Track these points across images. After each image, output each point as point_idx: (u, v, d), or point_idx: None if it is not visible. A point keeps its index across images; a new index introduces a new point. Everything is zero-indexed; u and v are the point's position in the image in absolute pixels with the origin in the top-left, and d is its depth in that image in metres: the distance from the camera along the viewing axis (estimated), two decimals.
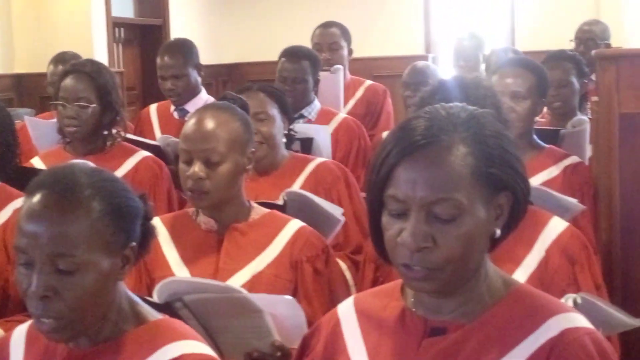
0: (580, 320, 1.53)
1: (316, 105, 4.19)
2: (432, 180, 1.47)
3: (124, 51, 7.88)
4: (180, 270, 2.38)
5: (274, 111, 3.09)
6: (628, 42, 6.78)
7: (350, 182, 3.24)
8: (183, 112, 4.30)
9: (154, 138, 4.18)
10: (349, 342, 1.63)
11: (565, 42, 5.60)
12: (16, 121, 3.04)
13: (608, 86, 3.08)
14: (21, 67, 6.87)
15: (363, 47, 8.10)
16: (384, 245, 1.54)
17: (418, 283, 1.51)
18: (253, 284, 2.34)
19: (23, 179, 1.98)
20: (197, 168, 2.35)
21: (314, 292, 2.40)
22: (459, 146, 1.49)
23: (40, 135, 3.82)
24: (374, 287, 2.25)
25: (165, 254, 2.41)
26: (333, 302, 2.34)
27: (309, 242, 2.43)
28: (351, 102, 4.89)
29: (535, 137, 3.31)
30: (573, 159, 3.29)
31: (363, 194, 3.02)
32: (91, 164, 1.87)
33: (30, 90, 6.68)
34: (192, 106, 4.12)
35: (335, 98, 4.57)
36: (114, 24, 7.48)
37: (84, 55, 4.67)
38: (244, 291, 2.04)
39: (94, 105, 3.26)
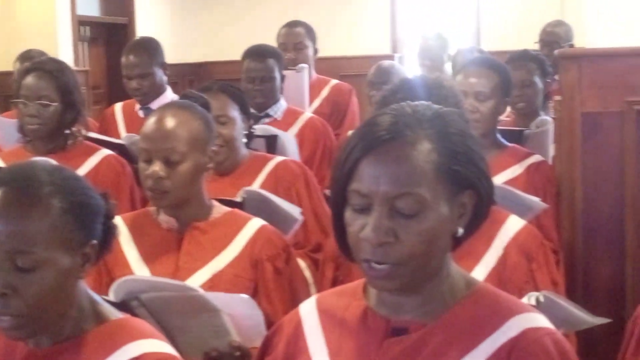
0: (541, 320, 1.54)
1: (282, 104, 4.19)
2: (395, 175, 1.47)
3: (90, 50, 7.84)
4: (140, 269, 2.37)
5: (235, 113, 3.09)
6: (592, 42, 6.83)
7: (310, 180, 3.25)
8: (148, 111, 4.26)
9: (118, 137, 4.15)
10: (310, 342, 1.63)
11: (530, 42, 5.64)
12: None
13: (570, 86, 3.11)
14: None
15: (329, 46, 8.11)
16: (347, 242, 1.53)
17: (380, 281, 1.51)
18: (213, 283, 2.33)
19: None
20: (156, 167, 2.33)
21: (274, 291, 2.39)
22: (424, 142, 1.49)
23: (5, 134, 3.78)
24: (334, 286, 2.26)
25: (125, 252, 2.40)
26: (294, 301, 2.34)
27: (269, 241, 2.42)
28: (317, 102, 4.89)
29: (498, 136, 3.33)
30: (536, 158, 3.31)
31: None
32: (53, 162, 1.85)
33: None
34: (157, 105, 4.06)
35: (300, 97, 4.56)
36: (79, 22, 7.43)
37: (49, 53, 4.63)
38: (201, 290, 2.04)
39: (55, 103, 3.23)
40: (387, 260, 1.48)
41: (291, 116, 4.15)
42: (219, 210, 2.47)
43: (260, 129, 3.52)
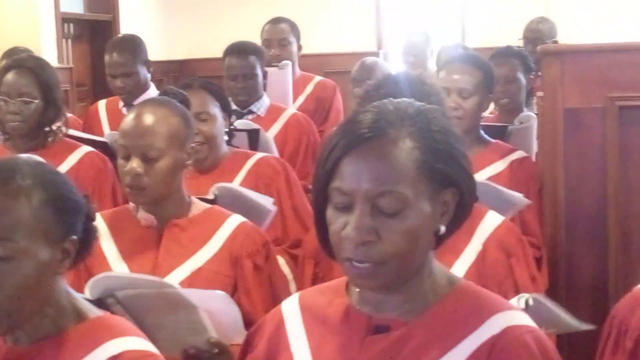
0: (522, 318, 1.54)
1: (265, 101, 4.18)
2: (377, 173, 1.46)
3: (74, 47, 7.79)
4: (118, 266, 2.36)
5: (215, 110, 3.09)
6: (576, 39, 6.86)
7: (291, 176, 3.25)
8: None
9: (102, 134, 4.15)
10: (292, 339, 1.62)
11: (515, 38, 5.65)
12: None
13: (552, 82, 3.12)
14: None
15: (314, 43, 8.11)
16: (329, 240, 1.53)
17: (362, 280, 1.50)
18: (192, 280, 2.33)
19: None
20: (134, 164, 2.32)
21: (254, 287, 2.38)
22: (406, 140, 1.48)
23: None
24: (314, 283, 2.26)
25: (104, 250, 2.39)
26: (273, 297, 2.35)
27: (249, 237, 2.42)
28: (301, 98, 4.89)
29: (482, 132, 3.34)
30: (519, 154, 3.31)
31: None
32: (36, 157, 1.87)
33: None
34: None
35: (284, 94, 4.56)
36: (63, 19, 7.39)
37: (33, 51, 4.61)
38: (177, 286, 2.03)
39: (37, 101, 3.23)
40: (369, 259, 1.47)
41: (274, 113, 4.15)
42: (198, 207, 2.46)
43: (241, 123, 3.52)
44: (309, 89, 4.95)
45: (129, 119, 2.38)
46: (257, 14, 6.45)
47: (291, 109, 4.30)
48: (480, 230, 2.35)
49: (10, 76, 3.25)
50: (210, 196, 2.67)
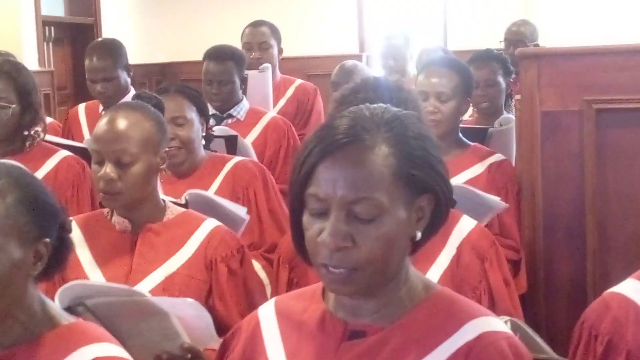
0: (498, 325, 1.54)
1: (245, 104, 4.17)
2: (352, 179, 1.46)
3: (55, 50, 7.78)
4: (93, 272, 2.36)
5: (192, 114, 3.09)
6: (558, 42, 6.88)
7: (268, 180, 3.25)
8: None
9: (82, 138, 4.14)
10: (268, 345, 1.62)
11: (496, 41, 5.67)
12: None
13: (530, 85, 3.13)
14: None
15: (297, 46, 8.12)
16: (305, 246, 1.53)
17: (337, 285, 1.50)
18: (166, 285, 2.33)
19: None
20: (108, 169, 2.32)
21: (228, 292, 2.38)
22: (381, 146, 1.48)
23: None
24: (289, 288, 2.26)
25: (78, 255, 2.37)
26: (248, 302, 2.36)
27: (223, 241, 2.42)
28: (281, 102, 4.89)
29: (460, 135, 3.35)
30: (497, 157, 3.32)
31: None
32: (14, 162, 1.87)
33: None
34: None
35: (264, 97, 4.55)
36: (44, 22, 7.38)
37: (14, 54, 4.58)
38: (148, 294, 2.02)
39: (14, 105, 3.20)
40: (344, 265, 1.47)
41: (254, 116, 4.14)
42: (173, 211, 2.46)
43: (218, 129, 3.52)
44: (289, 92, 4.95)
45: (101, 123, 2.37)
46: (239, 16, 6.46)
47: (271, 113, 4.30)
48: (454, 235, 2.36)
49: None
50: (182, 201, 2.66)
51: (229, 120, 4.08)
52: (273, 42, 4.99)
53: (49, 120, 4.43)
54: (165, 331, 1.99)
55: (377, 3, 9.21)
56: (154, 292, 2.30)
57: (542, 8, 8.13)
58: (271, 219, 3.17)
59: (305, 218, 1.51)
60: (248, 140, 3.94)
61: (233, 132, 3.61)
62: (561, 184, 3.13)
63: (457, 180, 3.13)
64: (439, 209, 1.54)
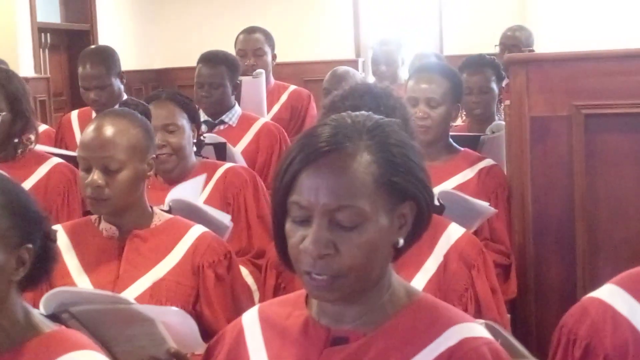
0: (479, 331, 1.55)
1: (237, 110, 4.17)
2: (335, 187, 1.47)
3: (51, 57, 7.78)
4: (80, 278, 2.37)
5: (183, 121, 3.11)
6: (553, 47, 6.90)
7: (259, 186, 3.26)
8: None
9: (75, 145, 4.13)
10: (252, 351, 1.63)
11: (492, 46, 5.69)
12: None
13: (519, 90, 3.13)
14: None
15: (293, 51, 8.14)
16: (288, 253, 1.53)
17: (320, 292, 1.51)
18: (154, 291, 2.34)
19: None
20: (95, 176, 2.34)
21: (216, 297, 2.39)
22: (363, 154, 1.49)
23: None
24: (276, 293, 2.27)
25: (66, 261, 2.39)
26: (236, 307, 2.36)
27: (210, 247, 2.43)
28: (275, 107, 4.90)
29: (451, 140, 3.36)
30: (487, 162, 3.33)
31: None
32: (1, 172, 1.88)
33: None
34: None
35: (258, 103, 4.56)
36: (40, 29, 7.38)
37: (9, 61, 4.59)
38: (133, 302, 2.03)
39: (4, 113, 3.20)
40: (327, 272, 1.48)
41: (246, 122, 4.14)
42: (160, 217, 2.48)
43: (207, 137, 3.53)
44: (283, 97, 4.96)
45: (89, 130, 2.39)
46: (236, 22, 6.47)
47: (263, 119, 4.30)
48: (441, 242, 2.36)
49: None
50: (165, 207, 2.68)
51: (221, 127, 4.09)
52: (267, 49, 5.00)
53: (44, 127, 4.47)
54: (151, 337, 2.00)
55: (373, 8, 9.22)
56: (141, 298, 2.32)
57: (538, 13, 8.14)
58: (260, 225, 3.18)
59: (288, 225, 1.52)
60: (240, 146, 3.96)
61: (222, 140, 3.62)
62: (550, 189, 3.14)
63: (447, 186, 3.14)
64: (421, 216, 1.55)
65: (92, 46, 5.18)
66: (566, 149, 3.11)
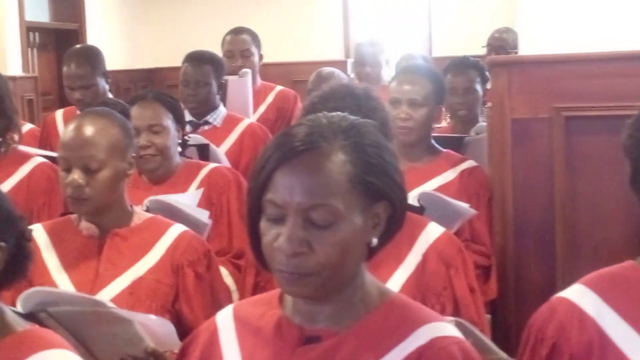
0: (449, 330, 1.56)
1: (221, 111, 4.18)
2: (309, 186, 1.49)
3: (39, 56, 7.78)
4: (59, 277, 2.38)
5: (169, 122, 3.13)
6: (541, 49, 6.91)
7: (242, 186, 3.26)
8: None
9: None
10: (225, 350, 1.64)
11: (480, 47, 5.70)
12: None
13: (500, 92, 3.15)
14: None
15: (283, 52, 8.15)
16: (262, 252, 1.55)
17: (292, 287, 1.52)
18: (133, 289, 2.35)
19: None
20: (75, 175, 2.35)
21: (195, 296, 2.41)
22: (338, 153, 1.50)
23: None
24: (255, 292, 2.28)
25: (45, 260, 2.40)
26: (215, 307, 2.35)
27: (190, 246, 2.44)
28: (261, 108, 4.91)
29: (433, 142, 3.37)
30: (470, 163, 3.34)
31: None
32: None
33: None
34: None
35: (244, 103, 4.56)
36: (28, 28, 7.38)
37: None
38: (111, 305, 2.04)
39: None
40: (300, 270, 1.50)
41: (231, 123, 4.14)
42: (140, 216, 2.49)
43: (192, 137, 3.54)
44: (269, 98, 4.97)
45: (68, 130, 2.40)
46: (225, 22, 6.47)
47: (247, 120, 4.30)
48: (420, 241, 2.36)
49: None
50: (143, 208, 2.69)
51: (206, 127, 4.09)
52: (254, 50, 5.01)
53: (28, 126, 4.46)
54: (129, 336, 2.01)
55: (363, 9, 9.24)
56: (120, 296, 2.33)
57: (527, 15, 8.14)
58: (241, 226, 3.18)
59: (263, 224, 1.53)
60: (224, 147, 3.97)
61: (205, 141, 3.63)
62: (531, 191, 3.16)
63: (429, 187, 3.15)
64: (395, 216, 1.57)
65: (77, 46, 5.17)
66: (547, 151, 3.13)
